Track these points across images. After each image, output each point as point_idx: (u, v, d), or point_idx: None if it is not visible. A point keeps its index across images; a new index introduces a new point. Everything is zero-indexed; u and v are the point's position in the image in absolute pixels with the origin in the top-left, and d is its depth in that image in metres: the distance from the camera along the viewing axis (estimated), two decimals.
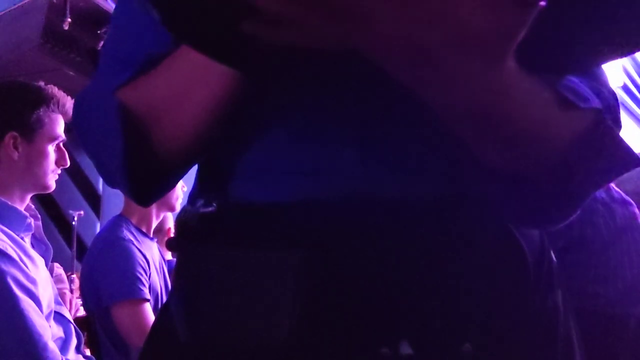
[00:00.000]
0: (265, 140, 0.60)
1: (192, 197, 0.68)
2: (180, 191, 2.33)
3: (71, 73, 3.97)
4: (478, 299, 0.56)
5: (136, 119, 0.59)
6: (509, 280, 0.58)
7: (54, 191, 1.67)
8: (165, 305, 0.66)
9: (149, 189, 0.65)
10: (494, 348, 0.56)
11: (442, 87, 0.47)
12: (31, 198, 1.63)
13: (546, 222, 0.63)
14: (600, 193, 2.00)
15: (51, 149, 1.60)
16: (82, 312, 2.29)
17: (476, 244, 0.57)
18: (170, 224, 3.00)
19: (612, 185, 2.29)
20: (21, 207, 1.57)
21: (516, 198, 0.57)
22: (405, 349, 0.54)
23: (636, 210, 2.02)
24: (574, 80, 0.57)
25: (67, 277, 2.58)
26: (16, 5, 3.71)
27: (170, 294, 0.66)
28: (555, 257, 0.66)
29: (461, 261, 0.57)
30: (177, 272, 0.66)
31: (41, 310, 1.40)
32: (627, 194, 2.24)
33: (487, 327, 0.56)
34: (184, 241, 0.66)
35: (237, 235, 0.60)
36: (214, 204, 0.63)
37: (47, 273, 1.53)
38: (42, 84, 1.64)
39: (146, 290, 2.06)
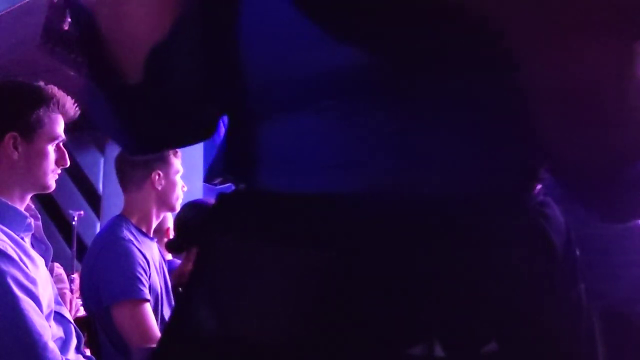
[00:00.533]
0: (295, 127, 0.60)
1: (211, 174, 0.67)
2: (180, 191, 2.33)
3: (71, 73, 3.97)
4: (506, 295, 0.56)
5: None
6: (538, 275, 0.59)
7: (54, 191, 1.67)
8: (186, 298, 0.65)
9: (149, 134, 0.65)
10: (520, 345, 0.56)
11: (561, 64, 0.47)
12: (31, 198, 1.63)
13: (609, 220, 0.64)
14: None
15: (51, 149, 1.60)
16: (82, 312, 2.29)
17: (507, 240, 0.58)
18: (170, 224, 3.00)
19: None
20: (21, 207, 1.57)
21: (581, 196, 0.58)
22: (436, 349, 0.53)
23: None
24: None
25: (67, 277, 2.59)
26: (16, 5, 3.71)
27: (191, 285, 0.65)
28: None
29: (491, 257, 0.57)
30: (202, 261, 0.65)
31: (41, 310, 1.40)
32: None
33: (513, 323, 0.56)
34: (210, 230, 0.65)
35: (264, 227, 0.60)
36: (241, 186, 0.63)
37: (47, 273, 1.53)
38: (42, 84, 1.64)
39: (146, 291, 2.06)
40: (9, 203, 1.53)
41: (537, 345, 0.57)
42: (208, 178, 0.71)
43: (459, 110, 0.56)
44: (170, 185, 2.29)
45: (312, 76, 0.57)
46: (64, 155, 1.64)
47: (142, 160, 2.25)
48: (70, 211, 3.68)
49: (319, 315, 0.55)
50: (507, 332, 0.55)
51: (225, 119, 0.69)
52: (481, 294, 0.56)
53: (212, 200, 2.87)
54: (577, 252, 0.65)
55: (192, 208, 2.64)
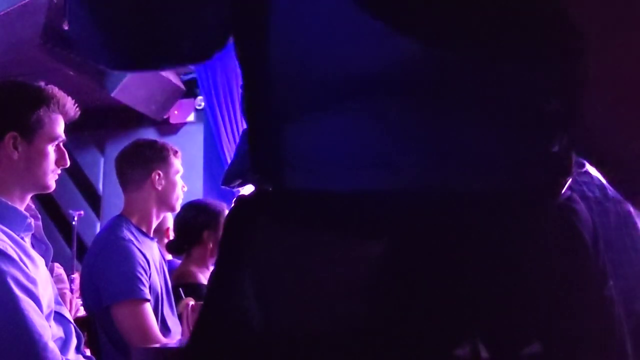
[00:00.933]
0: (327, 126, 0.59)
1: (230, 176, 0.66)
2: (181, 191, 2.33)
3: (71, 73, 3.97)
4: (547, 294, 0.56)
5: None
6: (575, 274, 0.59)
7: (54, 191, 1.67)
8: (223, 288, 0.62)
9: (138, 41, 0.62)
10: (562, 344, 0.56)
11: (623, 56, 0.50)
12: (31, 198, 1.63)
13: None
14: (595, 192, 2.00)
15: (51, 149, 1.60)
16: (82, 312, 2.29)
17: (544, 240, 0.58)
18: (170, 224, 3.00)
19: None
20: (21, 207, 1.57)
21: None
22: (482, 351, 0.53)
23: (630, 207, 2.02)
24: None
25: (67, 277, 2.59)
26: (16, 5, 3.71)
27: (226, 276, 0.62)
28: None
29: (529, 257, 0.56)
30: (238, 252, 0.62)
31: (41, 310, 1.40)
32: None
33: (556, 322, 0.56)
34: (244, 220, 0.62)
35: (306, 219, 0.58)
36: (266, 187, 0.62)
37: (47, 273, 1.53)
38: (42, 84, 1.64)
39: (146, 290, 2.06)
40: (9, 203, 1.53)
41: (577, 343, 0.57)
42: (226, 180, 0.69)
43: (493, 106, 0.56)
44: (170, 185, 2.28)
45: (345, 74, 0.57)
46: (64, 155, 1.64)
47: (142, 160, 2.25)
48: (70, 211, 3.68)
49: (365, 309, 0.54)
50: (549, 332, 0.55)
51: (243, 120, 0.67)
52: (521, 292, 0.55)
53: (212, 200, 2.84)
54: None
55: (192, 208, 2.65)
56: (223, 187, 0.72)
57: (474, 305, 0.54)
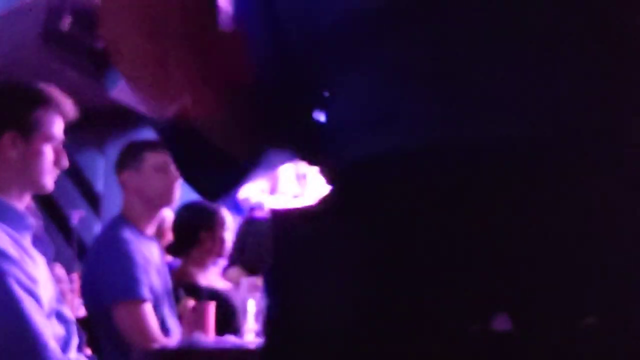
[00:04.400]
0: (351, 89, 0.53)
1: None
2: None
3: (71, 73, 3.97)
4: (599, 258, 0.46)
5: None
6: (631, 231, 0.47)
7: (54, 191, 1.67)
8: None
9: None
10: (622, 318, 0.46)
11: None
12: (31, 198, 1.63)
13: None
14: None
15: (49, 149, 1.61)
16: (82, 312, 2.30)
17: (586, 187, 0.47)
18: (170, 224, 3.00)
19: None
20: (20, 207, 1.58)
21: None
22: (501, 324, 0.45)
23: None
24: None
25: (68, 277, 2.59)
26: (16, 6, 3.71)
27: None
28: None
29: (572, 211, 0.46)
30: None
31: (42, 310, 1.40)
32: None
33: (612, 291, 0.46)
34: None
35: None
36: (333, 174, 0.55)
37: (48, 272, 1.54)
38: (42, 85, 1.65)
39: (146, 291, 2.06)
40: (9, 202, 1.54)
41: (635, 316, 0.46)
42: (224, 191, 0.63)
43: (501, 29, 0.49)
44: None
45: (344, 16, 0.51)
46: (64, 156, 1.64)
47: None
48: (70, 211, 3.68)
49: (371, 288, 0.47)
50: (604, 302, 0.46)
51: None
52: (564, 257, 0.46)
53: (209, 202, 2.85)
54: None
55: (187, 210, 2.64)
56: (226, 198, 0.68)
57: (496, 276, 0.46)
